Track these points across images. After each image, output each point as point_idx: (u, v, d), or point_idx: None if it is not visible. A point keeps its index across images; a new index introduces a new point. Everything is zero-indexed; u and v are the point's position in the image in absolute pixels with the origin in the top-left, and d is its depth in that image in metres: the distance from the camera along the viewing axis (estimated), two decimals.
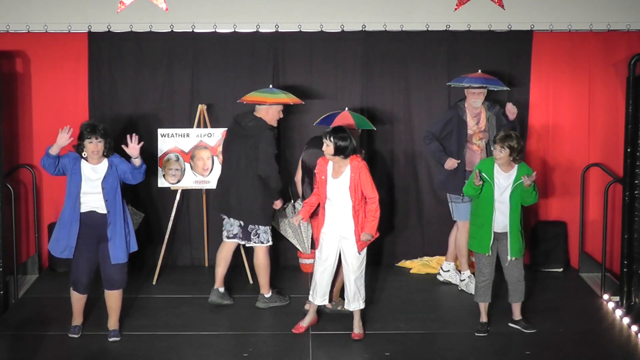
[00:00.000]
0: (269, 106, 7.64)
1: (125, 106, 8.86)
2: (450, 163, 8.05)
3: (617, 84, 8.72)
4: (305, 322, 7.24)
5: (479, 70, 8.15)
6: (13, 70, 8.65)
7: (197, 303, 7.88)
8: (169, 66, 8.83)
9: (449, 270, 8.47)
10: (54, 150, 6.80)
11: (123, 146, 6.95)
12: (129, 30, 8.67)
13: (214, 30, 8.73)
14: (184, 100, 8.82)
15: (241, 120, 7.68)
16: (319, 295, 7.19)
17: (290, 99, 7.84)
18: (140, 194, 8.82)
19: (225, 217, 7.77)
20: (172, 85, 8.86)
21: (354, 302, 7.16)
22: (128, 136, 6.98)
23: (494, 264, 7.25)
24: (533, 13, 8.76)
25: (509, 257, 7.16)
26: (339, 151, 6.90)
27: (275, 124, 7.70)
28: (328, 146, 6.92)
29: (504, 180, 7.09)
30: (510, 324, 7.35)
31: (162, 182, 8.51)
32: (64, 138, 6.80)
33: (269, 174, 7.53)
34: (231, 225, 7.73)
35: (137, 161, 6.95)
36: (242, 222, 7.69)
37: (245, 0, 8.74)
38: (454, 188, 8.09)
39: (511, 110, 8.06)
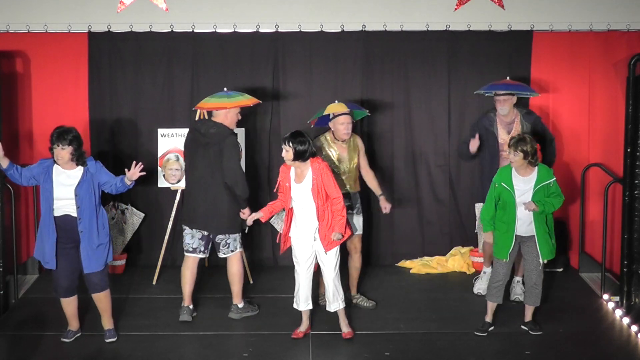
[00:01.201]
0: (227, 110, 7.45)
1: (125, 106, 8.86)
2: (472, 143, 7.87)
3: (617, 84, 8.72)
4: (302, 328, 7.23)
5: (507, 77, 8.08)
6: (13, 70, 8.65)
7: (197, 303, 7.87)
8: (169, 66, 8.83)
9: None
10: (2, 164, 6.77)
11: (126, 169, 6.85)
12: (129, 30, 8.67)
13: (214, 30, 8.73)
14: (184, 100, 8.83)
15: (200, 127, 7.45)
16: (302, 301, 7.17)
17: (249, 100, 7.65)
18: (140, 194, 8.82)
19: (186, 228, 7.58)
20: (172, 85, 8.86)
21: (334, 302, 7.15)
22: (134, 162, 6.87)
23: (511, 267, 7.27)
24: (533, 13, 8.76)
25: (540, 260, 7.17)
26: (298, 155, 6.90)
27: (235, 127, 7.51)
28: (287, 152, 6.90)
29: (524, 184, 7.09)
30: (522, 326, 7.35)
31: (162, 182, 8.51)
32: None
33: (236, 181, 7.34)
34: (192, 237, 7.54)
35: (128, 182, 6.90)
36: (204, 234, 7.53)
37: (245, 0, 8.74)
38: None
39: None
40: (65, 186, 6.82)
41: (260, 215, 7.16)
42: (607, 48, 8.77)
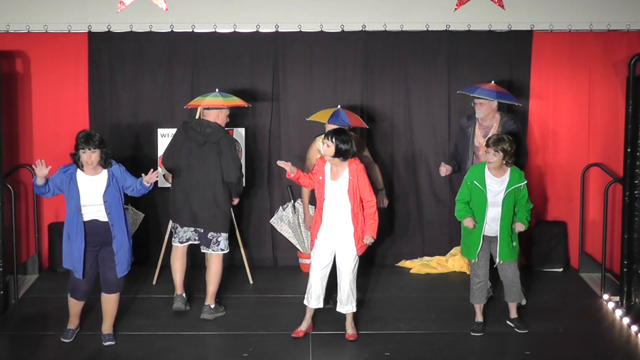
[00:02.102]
0: (219, 110, 7.54)
1: (125, 106, 8.86)
2: (442, 169, 8.03)
3: (617, 84, 8.71)
4: (303, 327, 7.23)
5: (492, 82, 8.04)
6: (13, 70, 8.65)
7: (197, 303, 7.87)
8: (169, 66, 8.83)
9: None
10: (39, 181, 6.68)
11: (143, 174, 6.83)
12: (129, 30, 8.67)
13: (214, 30, 8.73)
14: (184, 100, 8.81)
15: (196, 127, 7.51)
16: (313, 298, 7.16)
17: (240, 102, 7.86)
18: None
19: (177, 225, 7.65)
20: (172, 85, 8.86)
21: (347, 304, 7.15)
22: (152, 170, 6.84)
23: (488, 266, 7.26)
24: (533, 13, 8.76)
25: (497, 260, 7.17)
26: (339, 153, 6.90)
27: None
28: (329, 147, 6.91)
29: (497, 185, 7.09)
30: (507, 322, 7.36)
31: (162, 182, 8.50)
32: (42, 171, 6.63)
33: (239, 176, 7.47)
34: (184, 232, 7.63)
35: (147, 184, 6.87)
36: (197, 229, 7.59)
37: (245, 0, 8.74)
38: None
39: None
40: (92, 192, 6.78)
41: (293, 170, 7.04)
42: (607, 48, 8.77)
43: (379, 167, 8.16)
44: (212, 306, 7.60)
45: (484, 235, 7.13)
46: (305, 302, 7.20)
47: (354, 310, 7.19)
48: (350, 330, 7.19)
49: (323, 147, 6.97)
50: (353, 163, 6.98)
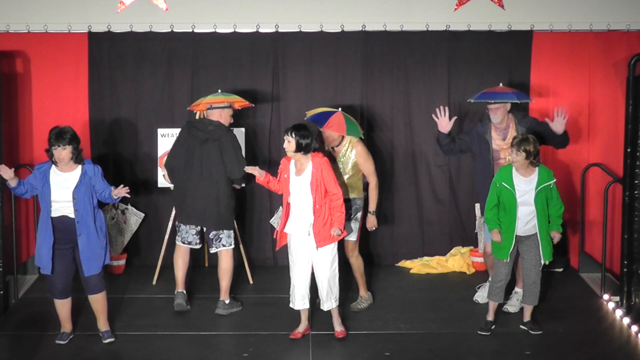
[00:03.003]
0: (222, 109, 7.58)
1: (125, 106, 8.86)
2: (440, 121, 7.75)
3: (617, 84, 8.72)
4: (300, 329, 7.22)
5: (500, 84, 8.01)
6: (13, 70, 8.65)
7: (197, 303, 7.88)
8: (169, 66, 8.83)
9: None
10: (11, 183, 6.76)
11: (113, 187, 6.85)
12: (129, 30, 8.67)
13: (214, 30, 8.73)
14: (184, 100, 8.82)
15: (198, 125, 7.57)
16: (297, 299, 7.15)
17: (244, 101, 7.91)
18: (140, 194, 8.82)
19: (181, 225, 7.68)
20: (172, 85, 8.86)
21: (327, 301, 7.13)
22: (122, 185, 6.85)
23: (512, 267, 7.27)
24: (533, 13, 8.76)
25: (542, 261, 7.18)
26: (300, 148, 6.90)
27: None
28: (289, 142, 6.91)
29: (525, 184, 7.09)
30: (521, 326, 7.36)
31: (162, 182, 8.50)
32: (7, 174, 6.69)
33: (242, 172, 7.48)
34: (186, 232, 7.66)
35: (114, 196, 6.88)
36: (198, 229, 7.62)
37: (245, 0, 8.74)
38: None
39: (557, 124, 7.61)
40: (63, 188, 6.80)
41: (262, 174, 7.12)
42: (607, 48, 8.77)
43: (376, 171, 8.11)
44: (227, 302, 7.65)
45: (515, 235, 7.14)
46: (290, 304, 7.20)
47: (334, 306, 7.16)
48: (337, 327, 7.18)
49: (284, 143, 6.98)
50: (316, 157, 6.99)
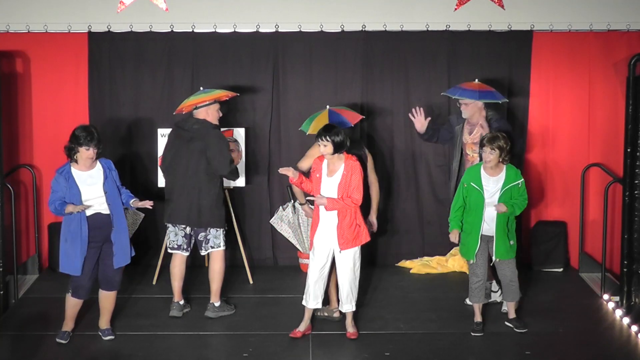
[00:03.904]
0: (207, 106, 7.54)
1: (125, 106, 8.86)
2: (417, 121, 8.00)
3: (617, 84, 8.71)
4: (301, 328, 7.22)
5: (476, 80, 8.00)
6: (13, 70, 8.65)
7: (197, 303, 7.87)
8: (169, 66, 8.83)
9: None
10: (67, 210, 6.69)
11: (132, 202, 6.93)
12: (129, 30, 8.67)
13: (214, 30, 8.73)
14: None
15: (184, 125, 7.55)
16: (311, 299, 7.16)
17: (225, 93, 7.79)
18: (140, 194, 8.79)
19: (169, 225, 7.65)
20: (172, 85, 8.86)
21: (347, 303, 7.15)
22: (147, 200, 6.95)
23: (486, 265, 7.26)
24: (533, 13, 8.75)
25: (493, 258, 7.17)
26: (337, 147, 6.91)
27: (217, 123, 7.61)
28: (326, 146, 6.91)
29: (493, 184, 7.09)
30: (506, 322, 7.36)
31: (162, 182, 8.50)
32: (77, 209, 6.70)
33: (230, 168, 7.44)
34: (175, 234, 7.61)
35: (132, 204, 6.95)
36: (187, 231, 7.58)
37: (245, 0, 8.74)
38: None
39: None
40: (92, 185, 6.81)
41: (296, 175, 7.08)
42: (607, 48, 8.77)
43: (376, 171, 8.09)
44: (217, 304, 7.60)
45: (482, 235, 7.13)
46: (303, 302, 7.20)
47: (354, 309, 7.18)
48: (350, 329, 7.19)
49: (320, 148, 6.96)
50: (350, 159, 6.99)
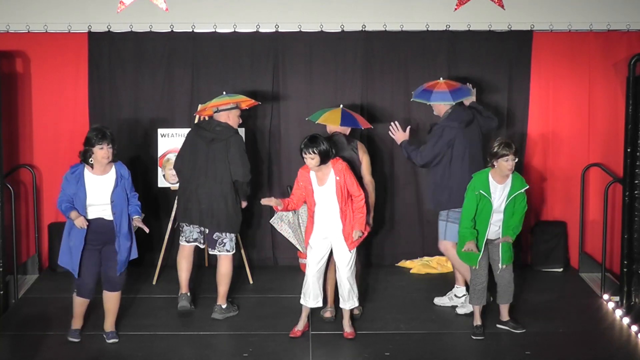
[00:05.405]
0: (229, 110, 7.53)
1: (125, 106, 8.86)
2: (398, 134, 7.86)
3: (617, 84, 8.72)
4: (299, 327, 7.23)
5: (441, 78, 7.86)
6: (13, 70, 8.65)
7: (197, 303, 7.87)
8: (169, 66, 8.83)
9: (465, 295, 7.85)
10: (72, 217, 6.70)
11: (135, 218, 6.94)
12: (129, 30, 8.67)
13: (214, 30, 8.73)
14: (184, 100, 8.83)
15: (206, 126, 7.55)
16: (311, 298, 7.17)
17: (250, 100, 7.81)
18: (140, 194, 8.78)
19: (184, 225, 7.65)
20: (172, 85, 8.86)
21: (349, 300, 7.15)
22: (146, 228, 6.99)
23: (487, 267, 7.26)
24: (533, 13, 8.76)
25: (500, 265, 7.16)
26: (324, 157, 6.88)
27: (237, 129, 7.62)
28: (313, 159, 6.86)
29: (500, 191, 7.07)
30: (499, 325, 7.34)
31: (162, 182, 8.51)
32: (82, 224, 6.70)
33: (247, 175, 7.45)
34: (190, 231, 7.63)
35: (133, 221, 6.96)
36: (202, 228, 7.57)
37: (245, 0, 8.74)
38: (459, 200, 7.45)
39: (399, 135, 7.85)
40: (100, 192, 6.79)
41: (279, 203, 7.06)
42: (607, 48, 8.77)
43: (376, 171, 8.09)
44: (224, 306, 7.61)
45: (486, 238, 7.12)
46: (302, 301, 7.21)
47: (356, 304, 7.19)
48: (347, 328, 7.19)
49: (307, 161, 6.92)
50: (337, 163, 6.98)
